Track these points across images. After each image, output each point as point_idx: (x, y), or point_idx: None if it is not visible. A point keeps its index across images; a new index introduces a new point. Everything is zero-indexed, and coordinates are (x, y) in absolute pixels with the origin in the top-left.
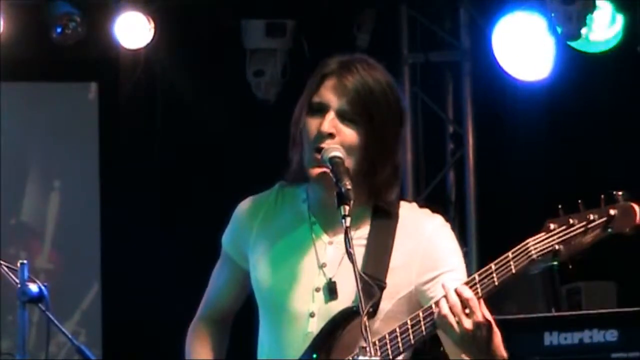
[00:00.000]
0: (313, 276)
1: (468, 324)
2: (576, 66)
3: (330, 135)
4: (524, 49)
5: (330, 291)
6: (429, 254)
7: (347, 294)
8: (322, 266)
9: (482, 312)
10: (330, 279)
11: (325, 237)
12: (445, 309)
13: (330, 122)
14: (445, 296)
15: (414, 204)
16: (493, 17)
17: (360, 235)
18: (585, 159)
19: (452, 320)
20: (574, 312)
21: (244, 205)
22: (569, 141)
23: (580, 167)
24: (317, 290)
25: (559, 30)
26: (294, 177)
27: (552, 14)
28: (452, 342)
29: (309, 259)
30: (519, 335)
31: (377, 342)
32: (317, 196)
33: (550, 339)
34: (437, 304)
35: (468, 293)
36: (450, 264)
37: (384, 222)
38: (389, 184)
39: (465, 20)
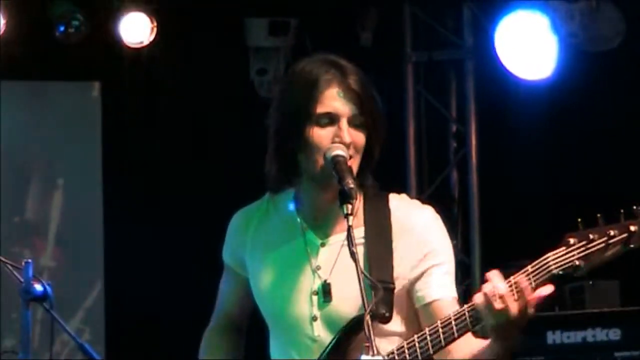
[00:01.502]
0: (309, 280)
1: (515, 308)
2: (579, 65)
3: (350, 144)
4: (526, 48)
5: (325, 293)
6: (420, 249)
7: (344, 295)
8: (316, 269)
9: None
10: (325, 281)
11: (317, 240)
12: (503, 289)
13: (348, 132)
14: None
15: (404, 195)
16: (496, 15)
17: (356, 235)
18: (588, 157)
19: (510, 300)
20: (577, 311)
21: (237, 218)
22: (571, 140)
23: (582, 165)
24: (315, 293)
25: (561, 28)
26: (277, 185)
27: (555, 13)
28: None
29: (303, 264)
30: (522, 334)
31: (404, 345)
32: (308, 201)
33: (554, 337)
34: (455, 314)
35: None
36: (439, 258)
37: (378, 218)
38: (370, 168)
39: (469, 19)
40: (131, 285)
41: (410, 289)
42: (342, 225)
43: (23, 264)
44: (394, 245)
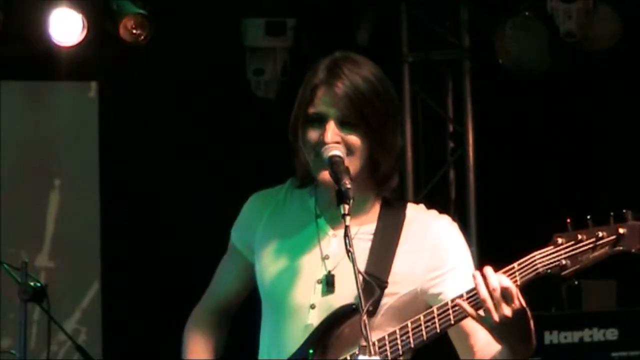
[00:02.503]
0: (315, 268)
1: (507, 310)
2: (576, 65)
3: (338, 145)
4: (523, 48)
5: (328, 284)
6: (435, 253)
7: (345, 288)
8: (324, 258)
9: (520, 300)
10: (329, 271)
11: (330, 230)
12: (484, 293)
13: (332, 131)
14: (485, 280)
15: (422, 205)
16: (493, 15)
17: (367, 230)
18: (584, 157)
19: (491, 304)
20: (574, 311)
21: (254, 199)
22: (568, 140)
23: (579, 165)
24: (319, 282)
25: (558, 28)
26: (301, 181)
27: (552, 13)
28: (486, 327)
29: (312, 251)
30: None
31: (386, 337)
32: (323, 194)
33: (551, 338)
34: (453, 300)
35: (507, 281)
36: (456, 262)
37: (391, 219)
38: (392, 173)
39: (465, 19)
40: (128, 286)
41: (426, 295)
42: (355, 219)
43: (20, 264)
44: (400, 246)
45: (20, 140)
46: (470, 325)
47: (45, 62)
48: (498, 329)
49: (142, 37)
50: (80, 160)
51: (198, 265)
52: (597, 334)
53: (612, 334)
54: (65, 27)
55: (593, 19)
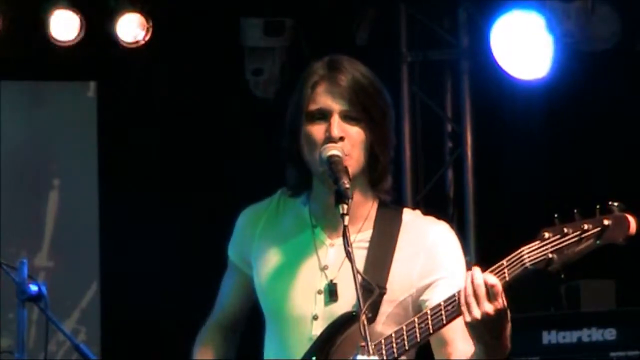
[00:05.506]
0: (315, 279)
1: (489, 308)
2: (574, 65)
3: (341, 139)
4: (522, 48)
5: (331, 293)
6: (430, 259)
7: (348, 296)
8: (323, 269)
9: (503, 299)
10: (331, 281)
11: (327, 240)
12: (469, 289)
13: (338, 126)
14: (471, 277)
15: (418, 211)
16: (492, 15)
17: (363, 238)
18: (583, 157)
19: (472, 301)
20: (572, 311)
21: (246, 213)
22: (567, 139)
23: (578, 165)
24: (319, 292)
25: (557, 28)
26: (294, 190)
27: (551, 12)
28: (466, 323)
29: (310, 262)
30: (517, 334)
31: (382, 341)
32: (319, 200)
33: (549, 337)
34: (445, 301)
35: (493, 279)
36: (449, 270)
37: (387, 226)
38: (386, 172)
39: (464, 19)
40: (127, 286)
41: (417, 299)
42: (352, 227)
43: (18, 264)
44: (397, 253)
45: (20, 140)
46: (450, 334)
47: (45, 62)
48: (476, 325)
49: (142, 37)
50: (80, 160)
51: (198, 264)
52: (595, 334)
53: (610, 333)
54: (65, 27)
55: (592, 19)
